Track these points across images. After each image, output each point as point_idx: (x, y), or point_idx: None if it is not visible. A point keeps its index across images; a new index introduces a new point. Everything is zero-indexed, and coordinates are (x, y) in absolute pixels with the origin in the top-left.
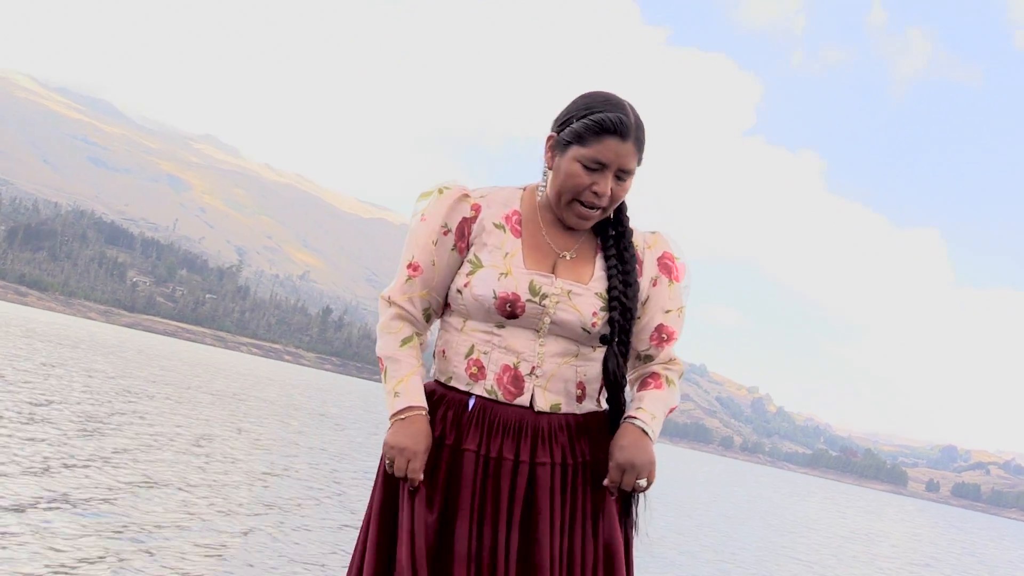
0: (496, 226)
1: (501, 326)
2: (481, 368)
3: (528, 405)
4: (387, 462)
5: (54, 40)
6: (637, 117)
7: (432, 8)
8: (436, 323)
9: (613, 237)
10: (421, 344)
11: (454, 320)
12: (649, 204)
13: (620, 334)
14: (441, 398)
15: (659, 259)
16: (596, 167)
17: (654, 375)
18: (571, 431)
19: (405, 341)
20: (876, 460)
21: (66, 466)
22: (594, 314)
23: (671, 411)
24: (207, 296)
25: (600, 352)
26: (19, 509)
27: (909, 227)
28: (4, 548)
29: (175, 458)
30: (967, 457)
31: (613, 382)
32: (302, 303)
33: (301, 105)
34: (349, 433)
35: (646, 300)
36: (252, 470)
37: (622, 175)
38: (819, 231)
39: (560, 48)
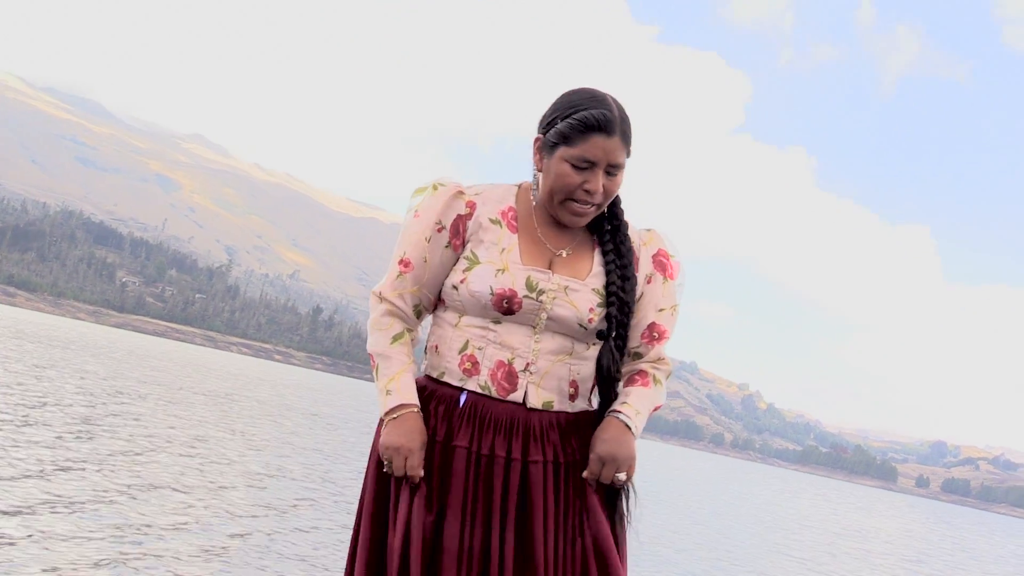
0: (492, 222)
1: (497, 322)
2: (475, 363)
3: (521, 402)
4: (385, 463)
5: (42, 40)
6: (621, 110)
7: (423, 7)
8: (427, 319)
9: (609, 232)
10: (412, 340)
11: (449, 316)
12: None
13: (617, 328)
14: (432, 394)
15: (654, 256)
16: (585, 165)
17: (641, 373)
18: (562, 429)
19: (396, 338)
20: (866, 456)
21: (63, 469)
22: (591, 310)
23: (656, 409)
24: (197, 296)
25: (594, 351)
26: (18, 512)
27: (899, 224)
28: (3, 551)
29: (171, 460)
30: (956, 453)
31: (607, 377)
32: (292, 302)
33: (291, 105)
34: (342, 433)
35: (640, 297)
36: (248, 471)
37: (612, 170)
38: (809, 228)
39: (550, 46)
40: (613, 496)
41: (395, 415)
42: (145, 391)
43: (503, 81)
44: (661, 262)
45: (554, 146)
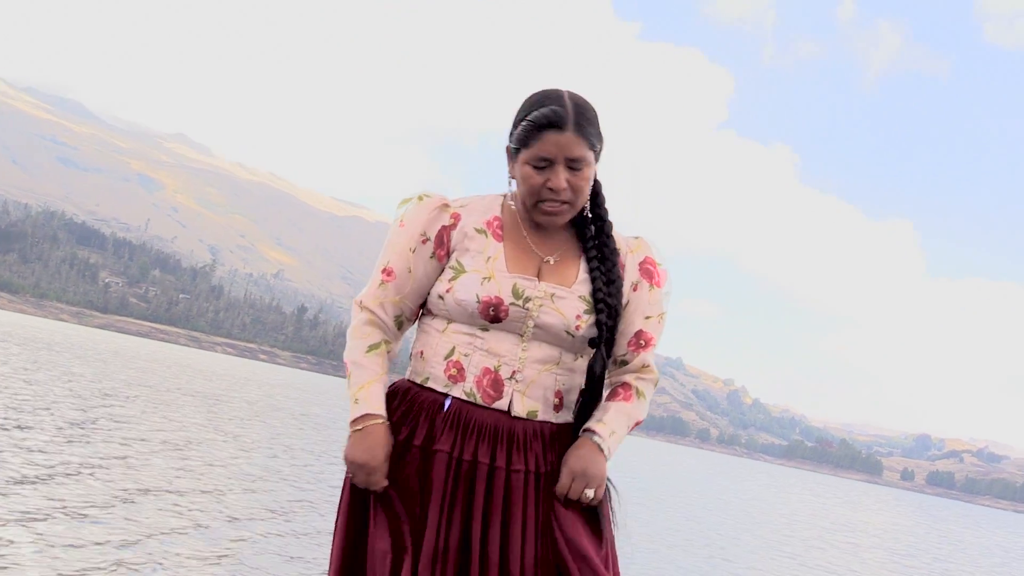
0: (478, 231)
1: (485, 329)
2: (461, 370)
3: (506, 410)
4: (349, 475)
5: (21, 40)
6: (578, 104)
7: (406, 5)
8: (410, 329)
9: (593, 237)
10: (389, 352)
11: (436, 322)
12: (622, 198)
13: (608, 332)
14: (415, 397)
15: (641, 264)
16: (544, 164)
17: (625, 386)
18: (545, 440)
19: (372, 347)
20: (851, 450)
21: (60, 474)
22: (578, 317)
23: (635, 425)
24: (180, 296)
25: (581, 363)
26: (19, 519)
27: (882, 219)
28: (5, 558)
29: (166, 463)
30: (941, 446)
31: (596, 386)
32: (276, 302)
33: (274, 104)
34: (332, 433)
35: (626, 304)
36: (245, 474)
37: (573, 164)
38: (793, 223)
39: (533, 43)
40: (592, 509)
41: (359, 426)
42: (134, 393)
43: (486, 78)
44: (648, 270)
45: (516, 152)
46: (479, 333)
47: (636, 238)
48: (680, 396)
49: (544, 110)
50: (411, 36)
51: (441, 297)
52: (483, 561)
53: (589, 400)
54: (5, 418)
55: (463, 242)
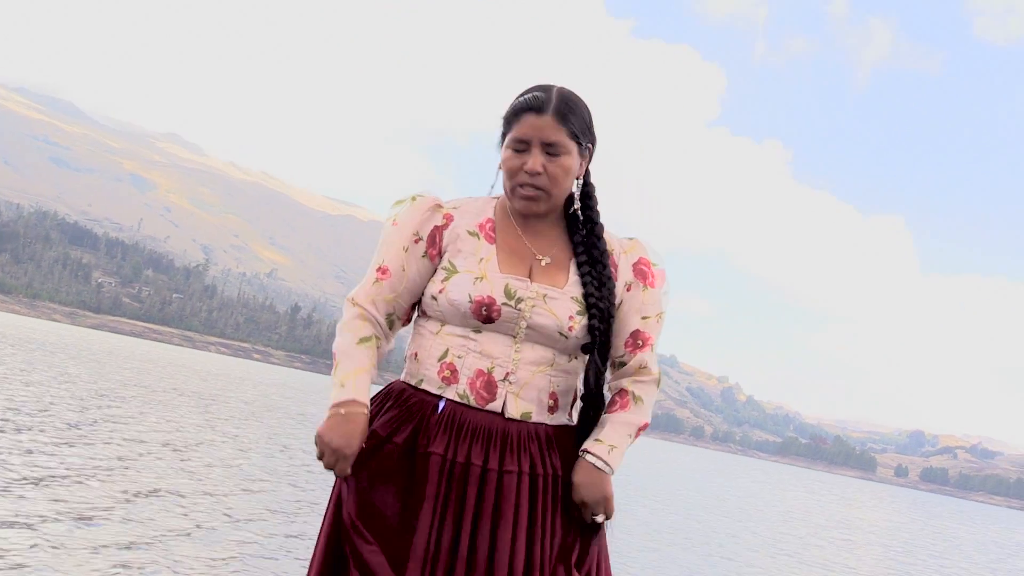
0: (470, 234)
1: (478, 331)
2: (454, 372)
3: (500, 411)
4: (316, 452)
5: (13, 40)
6: (562, 94)
7: (399, 5)
8: (401, 331)
9: (583, 236)
10: (379, 349)
11: (430, 324)
12: (615, 195)
13: (601, 337)
14: (409, 398)
15: (635, 264)
16: (522, 147)
17: (622, 393)
18: (541, 441)
19: (363, 340)
20: (845, 447)
21: (61, 475)
22: (570, 318)
23: (641, 430)
24: (174, 296)
25: (576, 364)
26: (23, 521)
27: (875, 215)
28: (11, 560)
29: (165, 464)
30: (934, 442)
31: (593, 393)
32: (270, 301)
33: (266, 103)
34: None
35: (620, 304)
36: (243, 474)
37: (551, 149)
38: (786, 220)
39: (525, 41)
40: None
41: (342, 410)
42: (130, 394)
43: (478, 77)
44: (642, 270)
45: (502, 138)
46: (472, 335)
47: (631, 239)
48: (674, 394)
49: (527, 96)
50: (404, 36)
51: (434, 298)
52: (470, 563)
53: (588, 409)
54: (4, 420)
55: (455, 243)
